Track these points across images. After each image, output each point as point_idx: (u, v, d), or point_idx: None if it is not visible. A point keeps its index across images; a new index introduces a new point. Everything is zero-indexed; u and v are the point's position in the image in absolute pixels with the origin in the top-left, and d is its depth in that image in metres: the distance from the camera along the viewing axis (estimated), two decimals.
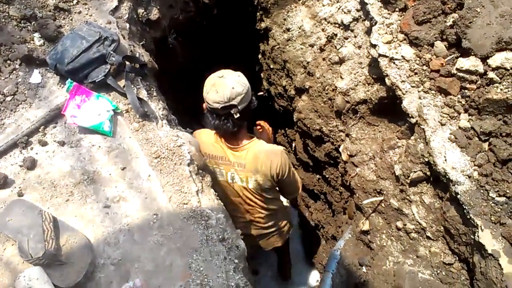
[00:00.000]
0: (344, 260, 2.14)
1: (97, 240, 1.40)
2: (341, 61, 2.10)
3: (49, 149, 1.58)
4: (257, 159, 1.83)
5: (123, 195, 1.50)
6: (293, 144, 3.08)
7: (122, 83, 1.73)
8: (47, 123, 1.63)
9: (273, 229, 2.16)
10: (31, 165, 1.52)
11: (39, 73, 1.75)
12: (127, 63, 1.74)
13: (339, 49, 2.11)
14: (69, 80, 1.64)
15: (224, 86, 1.66)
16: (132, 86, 1.73)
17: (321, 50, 2.24)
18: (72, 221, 1.43)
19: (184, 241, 1.44)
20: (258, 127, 2.16)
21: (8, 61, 1.72)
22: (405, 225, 1.83)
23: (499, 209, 1.47)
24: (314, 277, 3.18)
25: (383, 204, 1.95)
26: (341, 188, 2.51)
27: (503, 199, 1.48)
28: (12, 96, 1.67)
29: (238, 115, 1.69)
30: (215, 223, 1.53)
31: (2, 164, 1.55)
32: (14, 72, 1.72)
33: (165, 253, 1.40)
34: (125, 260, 1.37)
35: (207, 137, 1.91)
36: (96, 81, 1.66)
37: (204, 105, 1.79)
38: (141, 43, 2.05)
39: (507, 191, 1.46)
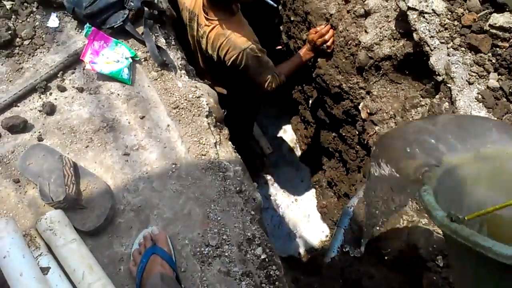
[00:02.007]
0: (357, 217, 2.16)
1: (117, 187, 1.42)
2: (367, 14, 2.01)
3: (68, 95, 1.57)
4: (216, 42, 1.91)
5: (142, 144, 1.50)
6: (310, 101, 3.03)
7: (140, 30, 1.69)
8: (65, 69, 1.61)
9: None
10: (50, 110, 1.52)
11: (56, 17, 1.71)
12: (146, 9, 1.69)
13: (365, 1, 2.01)
14: (87, 24, 1.60)
15: None
16: (151, 33, 1.69)
17: (346, 1, 2.13)
18: (92, 167, 1.44)
19: (202, 191, 1.45)
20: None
21: (25, 3, 1.68)
22: None
23: None
24: (324, 231, 3.23)
25: None
26: (358, 146, 2.49)
27: None
28: (30, 40, 1.64)
29: None
30: (232, 175, 1.53)
31: (22, 108, 1.55)
32: (31, 15, 1.68)
33: (184, 202, 1.42)
34: (144, 207, 1.39)
35: None
36: (115, 26, 1.62)
37: None
38: None
39: None
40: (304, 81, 2.98)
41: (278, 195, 3.50)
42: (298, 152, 3.72)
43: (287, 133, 3.83)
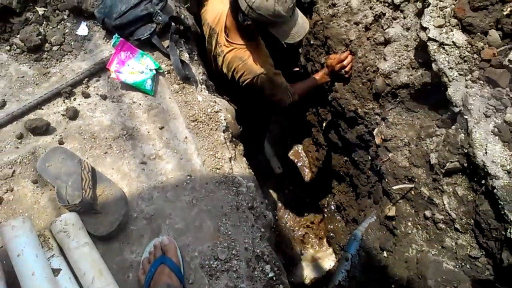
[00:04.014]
0: (365, 242, 2.14)
1: (132, 194, 1.44)
2: (387, 42, 2.04)
3: (91, 101, 1.61)
4: (232, 64, 1.98)
5: (159, 154, 1.52)
6: (324, 124, 3.05)
7: (165, 43, 1.74)
8: (91, 76, 1.66)
9: None
10: (73, 115, 1.56)
11: (86, 26, 1.77)
12: (173, 24, 1.74)
13: (385, 29, 2.05)
14: (116, 35, 1.65)
15: None
16: (176, 47, 1.73)
17: (366, 29, 2.18)
18: (109, 173, 1.47)
19: (215, 205, 1.46)
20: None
21: (57, 11, 1.75)
22: (434, 214, 1.81)
23: None
24: (330, 257, 3.20)
25: (412, 192, 1.93)
26: (369, 172, 2.49)
27: None
28: (59, 46, 1.70)
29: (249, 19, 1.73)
30: (245, 190, 1.55)
31: (45, 111, 1.59)
32: (62, 22, 1.74)
33: (196, 214, 1.43)
34: (157, 216, 1.41)
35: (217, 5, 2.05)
36: (142, 38, 1.67)
37: None
38: (186, 6, 2.04)
39: None
40: (319, 103, 3.00)
41: (285, 216, 3.49)
42: (309, 175, 3.72)
43: (298, 155, 3.84)
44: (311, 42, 2.69)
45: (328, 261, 3.18)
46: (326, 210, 3.38)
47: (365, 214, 2.50)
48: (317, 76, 2.36)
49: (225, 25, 1.99)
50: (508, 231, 1.47)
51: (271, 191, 3.58)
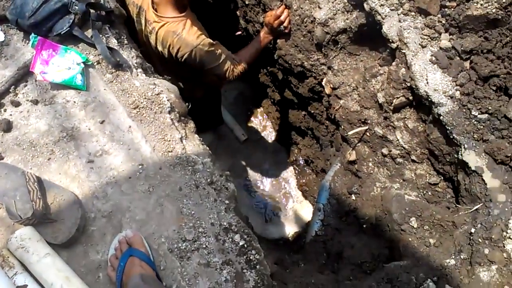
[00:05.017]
0: (334, 190, 2.20)
1: (85, 195, 1.40)
2: None
3: (23, 109, 1.53)
4: (166, 39, 1.91)
5: (105, 149, 1.48)
6: (276, 83, 3.03)
7: (89, 33, 1.65)
8: (17, 83, 1.57)
9: None
10: (6, 127, 1.48)
11: (1, 31, 1.65)
12: (92, 11, 1.64)
13: None
14: (32, 35, 1.55)
15: None
16: (100, 35, 1.65)
17: None
18: (57, 179, 1.42)
19: (173, 188, 1.45)
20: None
21: None
22: (390, 151, 1.86)
23: (482, 126, 1.49)
24: (307, 209, 3.28)
25: (368, 133, 1.97)
26: (327, 122, 2.51)
27: (485, 116, 1.48)
28: None
29: None
30: (202, 167, 1.53)
31: None
32: None
33: (155, 201, 1.41)
34: (115, 212, 1.39)
35: None
36: (61, 33, 1.58)
37: None
38: None
39: (489, 108, 1.47)
40: (269, 63, 2.97)
41: (259, 178, 3.53)
42: (273, 135, 3.74)
43: (259, 117, 3.84)
44: (247, 3, 2.62)
45: (306, 214, 3.26)
46: (295, 165, 3.43)
47: (330, 163, 2.55)
48: (259, 38, 2.31)
49: (152, 0, 1.90)
50: (459, 153, 1.53)
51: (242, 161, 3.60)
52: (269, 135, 3.76)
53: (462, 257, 1.44)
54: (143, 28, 1.99)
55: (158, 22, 1.90)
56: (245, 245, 1.42)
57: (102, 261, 1.32)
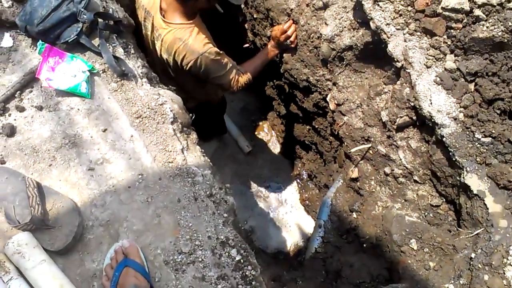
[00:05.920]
0: (335, 207, 2.18)
1: (84, 203, 1.40)
2: (325, 6, 2.02)
3: (27, 114, 1.54)
4: (172, 46, 1.91)
5: (106, 157, 1.48)
6: (282, 96, 3.04)
7: (96, 42, 1.66)
8: (23, 88, 1.58)
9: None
10: (10, 132, 1.50)
11: (10, 36, 1.68)
12: (100, 20, 1.66)
13: None
14: (40, 41, 1.57)
15: None
16: (107, 44, 1.67)
17: None
18: (57, 185, 1.42)
19: (171, 199, 1.44)
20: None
21: None
22: (393, 170, 1.84)
23: (485, 150, 1.47)
24: (310, 224, 3.26)
25: (371, 151, 1.96)
26: (331, 137, 2.51)
27: (488, 139, 1.47)
28: None
29: None
30: (201, 179, 1.53)
31: None
32: None
33: (153, 212, 1.41)
34: (113, 221, 1.38)
35: None
36: (69, 41, 1.60)
37: None
38: None
39: (493, 131, 1.45)
40: (275, 76, 2.98)
41: (261, 191, 3.51)
42: (278, 147, 3.73)
43: (265, 130, 3.84)
44: (255, 16, 2.64)
45: (307, 229, 3.23)
46: (299, 180, 3.42)
47: (333, 178, 2.53)
48: (265, 51, 2.33)
49: (160, 7, 1.91)
50: (462, 176, 1.52)
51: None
52: (274, 147, 3.75)
53: (461, 282, 1.41)
54: (150, 33, 2.00)
55: (165, 28, 1.91)
56: (242, 260, 1.41)
57: (97, 270, 1.31)
